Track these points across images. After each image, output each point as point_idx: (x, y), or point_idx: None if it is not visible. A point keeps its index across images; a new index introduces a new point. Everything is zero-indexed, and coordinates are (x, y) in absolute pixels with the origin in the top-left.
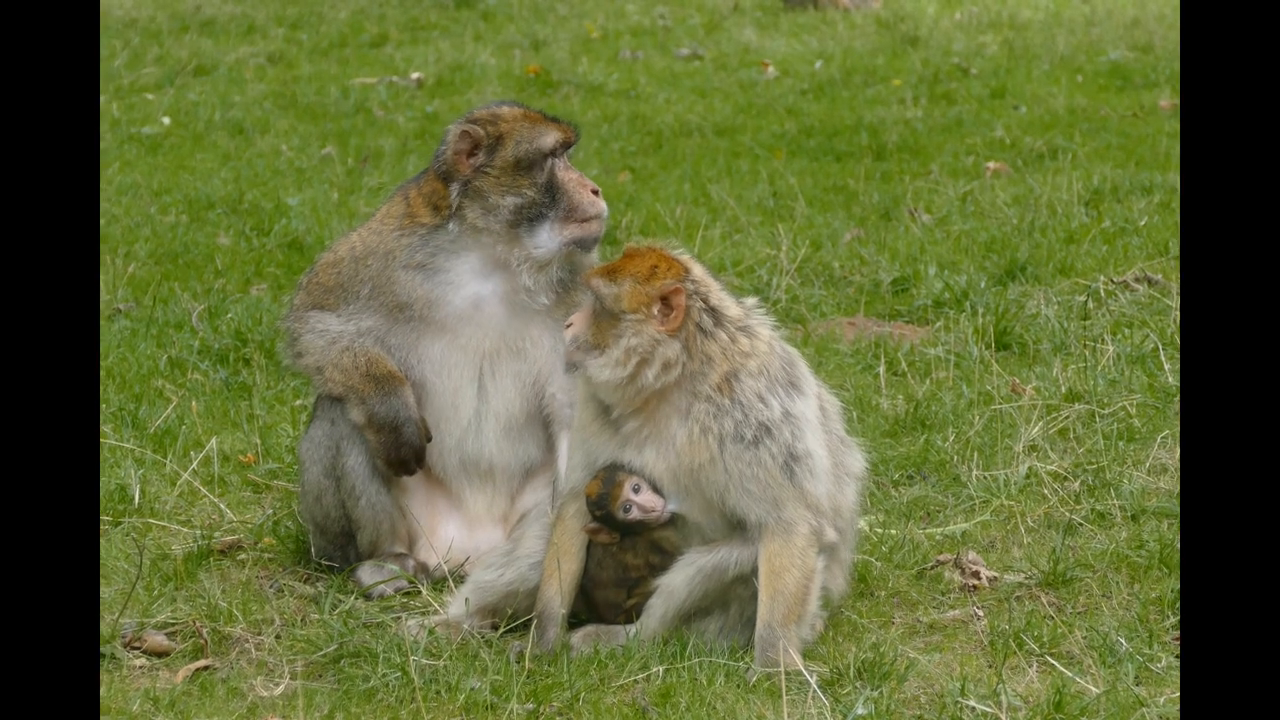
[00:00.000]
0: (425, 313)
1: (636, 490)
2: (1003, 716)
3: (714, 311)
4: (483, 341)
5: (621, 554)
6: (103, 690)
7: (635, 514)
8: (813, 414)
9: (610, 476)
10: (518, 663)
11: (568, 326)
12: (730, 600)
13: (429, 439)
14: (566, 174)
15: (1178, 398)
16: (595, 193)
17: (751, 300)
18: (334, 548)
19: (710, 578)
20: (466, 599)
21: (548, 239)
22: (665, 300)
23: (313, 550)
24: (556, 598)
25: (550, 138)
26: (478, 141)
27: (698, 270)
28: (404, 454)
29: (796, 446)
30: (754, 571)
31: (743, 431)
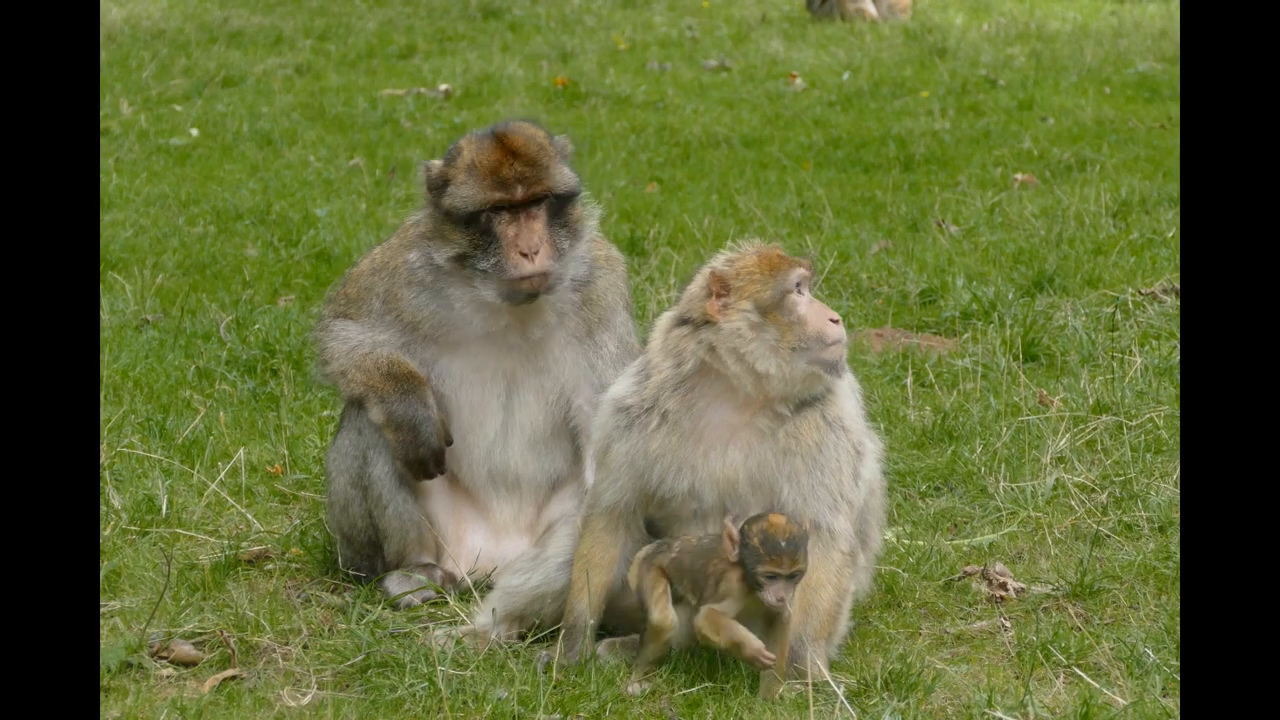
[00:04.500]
0: (435, 333)
1: (792, 579)
2: None
3: None
4: (502, 360)
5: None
6: (129, 700)
7: (767, 593)
8: (857, 403)
9: (794, 549)
10: (545, 672)
11: (838, 335)
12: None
13: (449, 442)
14: (505, 229)
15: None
16: (525, 254)
17: None
18: (361, 558)
19: None
20: (494, 609)
21: (485, 291)
22: None
23: (340, 560)
24: (585, 609)
25: (480, 196)
26: (428, 180)
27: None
28: (422, 454)
29: (863, 442)
30: None
31: (844, 420)
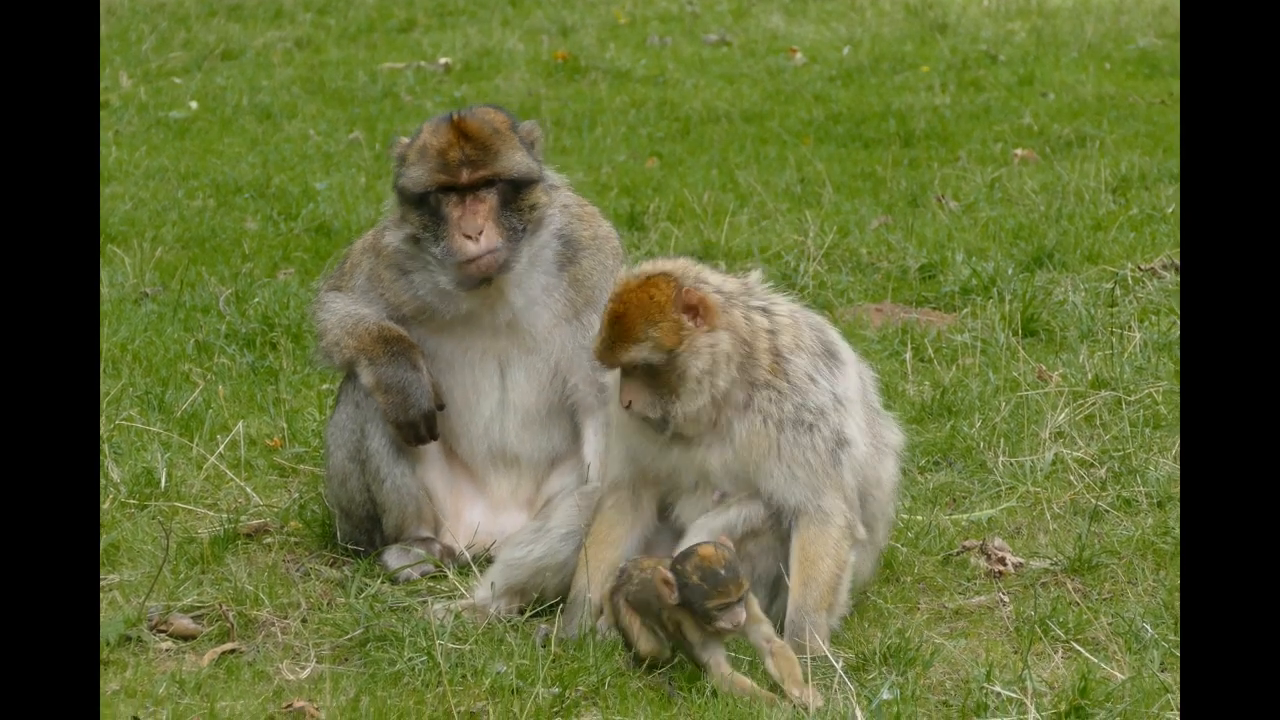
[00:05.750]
0: (418, 315)
1: (741, 600)
2: (1028, 702)
3: (718, 291)
4: (491, 342)
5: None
6: (129, 673)
7: (723, 622)
8: (854, 390)
9: (734, 574)
10: (543, 647)
11: (628, 406)
12: (742, 558)
13: (441, 405)
14: (454, 211)
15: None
16: (469, 235)
17: (754, 275)
18: (360, 532)
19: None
20: (493, 583)
21: (440, 278)
22: (688, 308)
23: (338, 534)
24: (586, 584)
25: (427, 178)
26: (396, 158)
27: (670, 265)
28: (412, 415)
29: (844, 431)
30: (765, 527)
31: (802, 415)
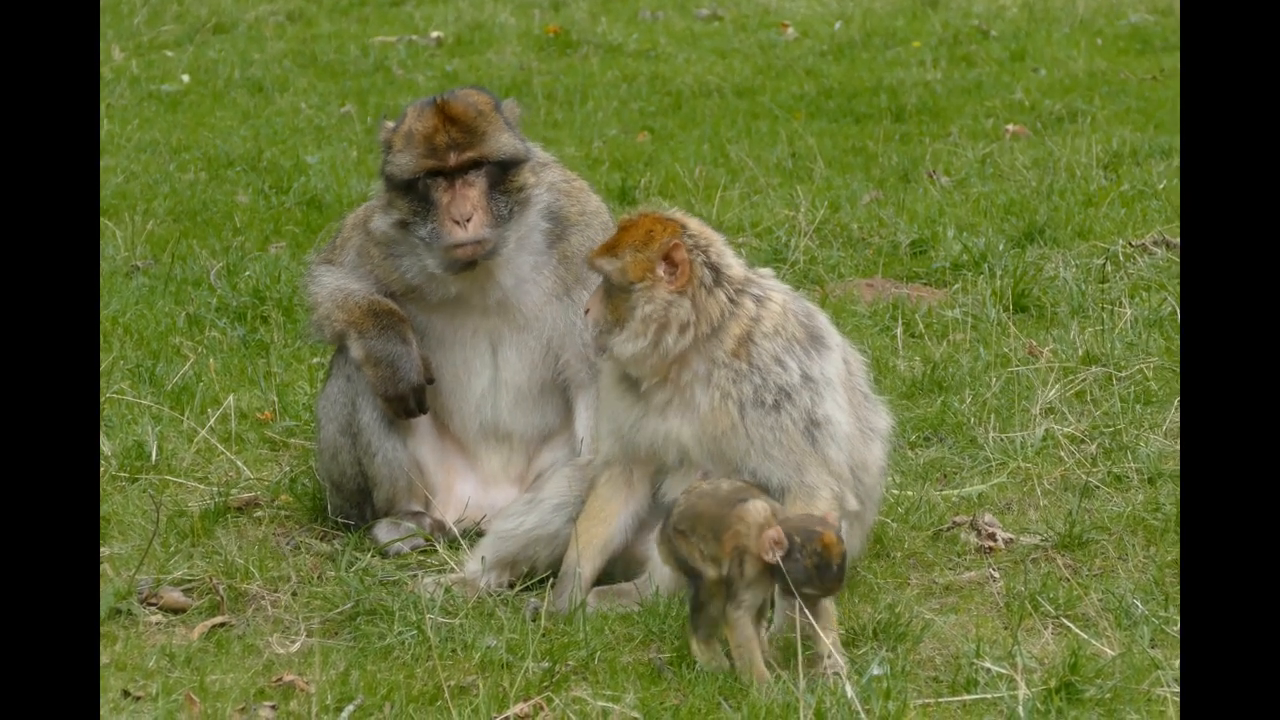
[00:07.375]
0: (408, 294)
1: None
2: (1018, 678)
3: (715, 268)
4: (482, 320)
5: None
6: (119, 646)
7: (806, 603)
8: (834, 372)
9: (841, 574)
10: (533, 621)
11: (586, 311)
12: None
13: (430, 379)
14: (443, 195)
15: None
16: (458, 221)
17: (766, 270)
18: (350, 505)
19: None
20: (483, 556)
21: (427, 260)
22: (668, 259)
23: (329, 508)
24: (576, 558)
25: (414, 164)
26: (384, 143)
27: (694, 225)
28: (401, 389)
29: (817, 411)
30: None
31: (762, 396)
